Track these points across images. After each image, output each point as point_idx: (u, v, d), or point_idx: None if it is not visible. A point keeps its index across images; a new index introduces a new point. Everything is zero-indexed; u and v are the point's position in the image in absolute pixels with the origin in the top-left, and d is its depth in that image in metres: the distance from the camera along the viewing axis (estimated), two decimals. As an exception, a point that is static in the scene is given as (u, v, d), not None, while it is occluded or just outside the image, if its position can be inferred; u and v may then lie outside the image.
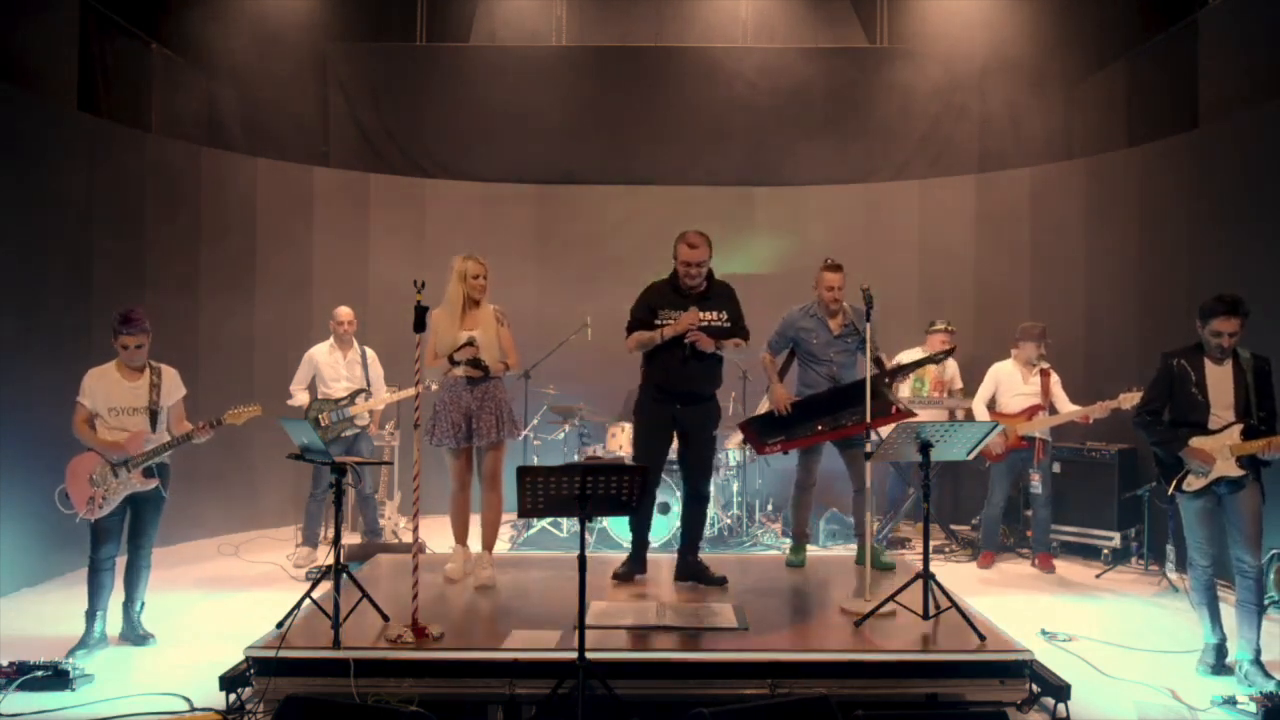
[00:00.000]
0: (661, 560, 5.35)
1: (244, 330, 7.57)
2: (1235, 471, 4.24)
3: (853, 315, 5.46)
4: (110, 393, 4.71)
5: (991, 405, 6.76)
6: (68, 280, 6.21)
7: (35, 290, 5.88)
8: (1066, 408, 6.47)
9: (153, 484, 4.71)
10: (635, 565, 4.99)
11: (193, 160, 7.38)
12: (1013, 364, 6.69)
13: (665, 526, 6.51)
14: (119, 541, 4.77)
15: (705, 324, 4.77)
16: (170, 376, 4.88)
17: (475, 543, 5.16)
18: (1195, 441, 4.31)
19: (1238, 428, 4.26)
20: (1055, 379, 6.59)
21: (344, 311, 6.67)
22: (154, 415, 4.76)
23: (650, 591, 4.80)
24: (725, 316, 4.84)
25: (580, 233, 8.72)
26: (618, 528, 6.57)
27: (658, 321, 4.80)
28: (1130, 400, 5.92)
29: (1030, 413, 6.54)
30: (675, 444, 5.07)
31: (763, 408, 5.64)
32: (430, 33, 9.20)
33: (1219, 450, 4.27)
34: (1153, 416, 4.48)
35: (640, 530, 5.06)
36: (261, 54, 8.11)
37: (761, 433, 5.24)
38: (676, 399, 4.85)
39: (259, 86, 8.12)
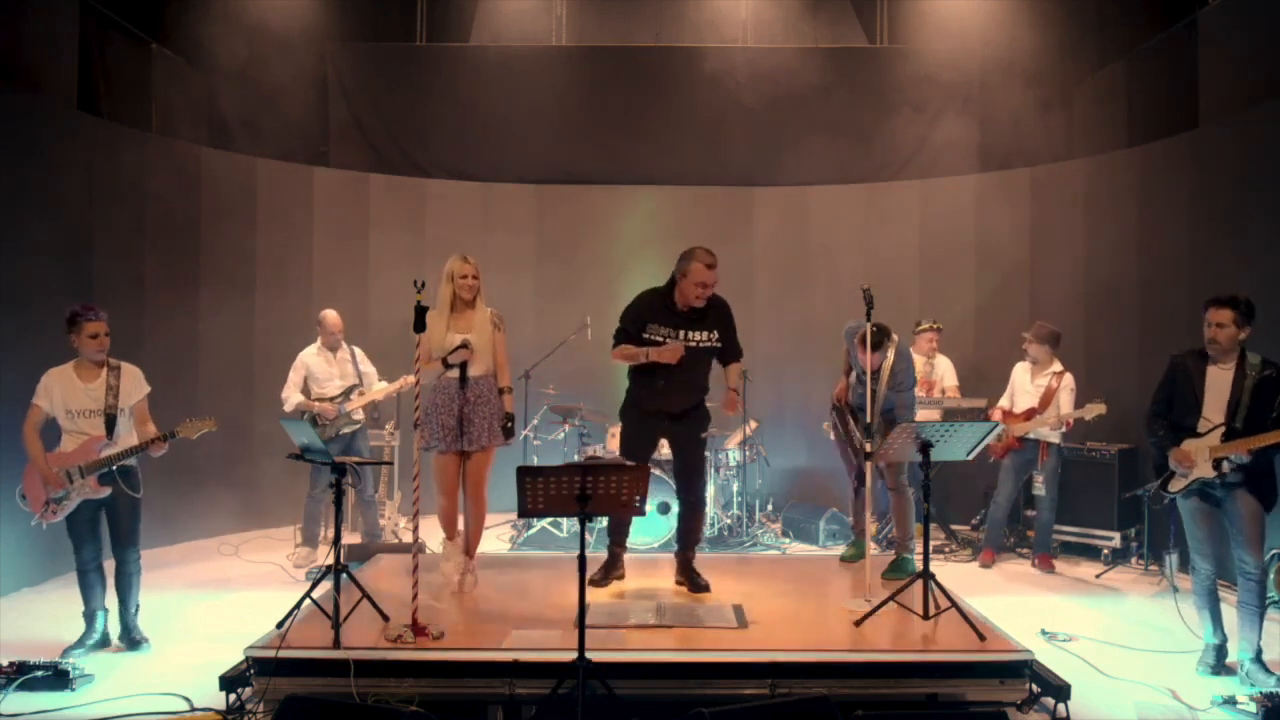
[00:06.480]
0: (662, 560, 5.36)
1: (244, 330, 7.58)
2: (1209, 473, 4.26)
3: (891, 373, 5.19)
4: (67, 395, 4.58)
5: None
6: (68, 280, 6.20)
7: (35, 290, 5.87)
8: (1052, 414, 6.44)
9: (105, 491, 4.57)
10: (611, 568, 4.94)
11: (193, 160, 7.38)
12: (1025, 363, 6.70)
13: (665, 526, 6.51)
14: (98, 543, 4.70)
15: (695, 345, 4.65)
16: (131, 375, 4.72)
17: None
18: (1186, 444, 4.34)
19: (1219, 431, 4.27)
20: (1066, 383, 6.48)
21: (333, 320, 6.62)
22: (110, 419, 4.60)
23: (650, 591, 4.80)
24: (716, 336, 4.71)
25: (580, 233, 8.72)
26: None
27: (646, 335, 4.65)
28: (1094, 412, 6.10)
29: (1028, 414, 6.55)
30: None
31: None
32: (430, 33, 9.20)
33: (1200, 453, 4.29)
34: (1155, 418, 4.51)
35: (617, 534, 4.98)
36: (261, 54, 8.10)
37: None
38: (663, 416, 4.79)
39: (259, 86, 8.11)
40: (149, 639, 4.71)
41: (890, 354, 5.14)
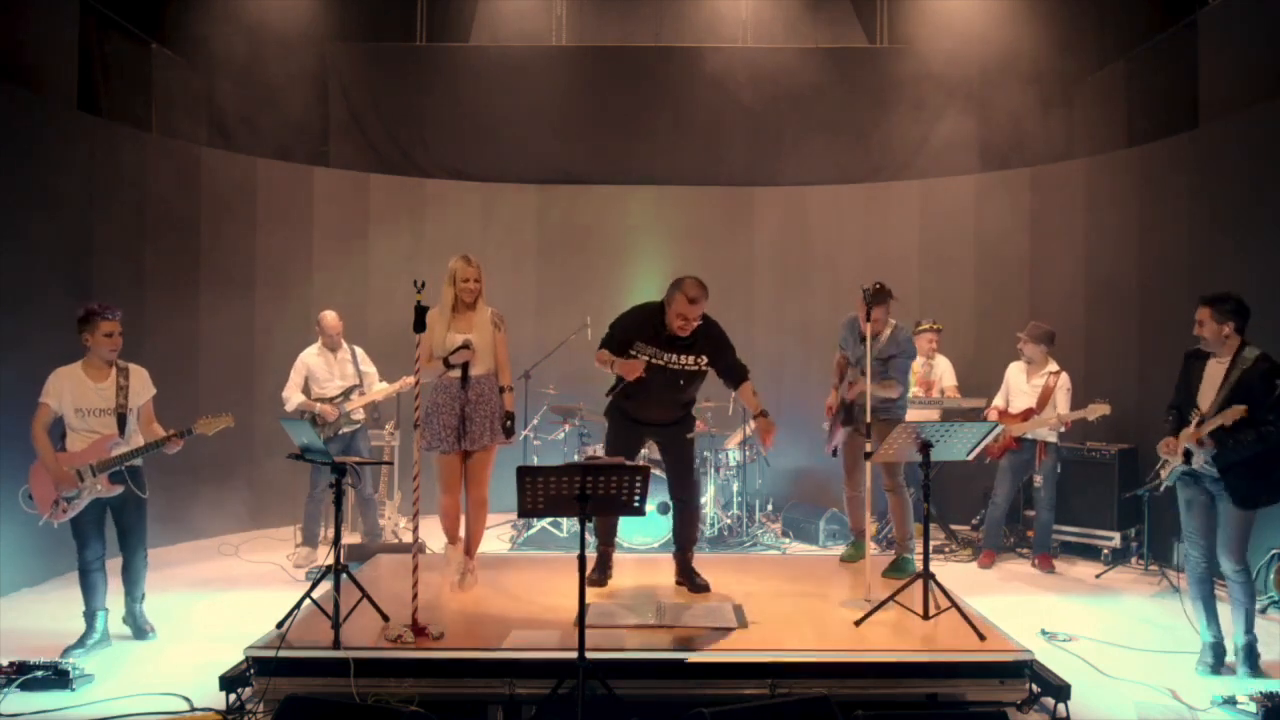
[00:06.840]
0: (661, 560, 5.35)
1: (244, 330, 7.58)
2: (1176, 460, 4.41)
3: (890, 341, 5.19)
4: (77, 394, 4.59)
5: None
6: (68, 280, 6.20)
7: (35, 290, 5.87)
8: (1051, 415, 6.43)
9: (117, 490, 4.60)
10: (604, 568, 4.95)
11: (193, 160, 7.38)
12: (1021, 363, 6.70)
13: (665, 526, 6.50)
14: (102, 542, 4.71)
15: (679, 368, 4.68)
16: (139, 376, 4.77)
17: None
18: (1183, 434, 4.44)
19: (1196, 422, 4.36)
20: (1062, 382, 6.48)
21: (332, 321, 6.62)
22: (122, 418, 4.64)
23: (650, 591, 4.80)
24: (704, 361, 4.71)
25: (580, 233, 8.71)
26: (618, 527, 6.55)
27: (631, 352, 4.67)
28: (1098, 412, 6.09)
29: (1026, 414, 6.54)
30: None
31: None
32: (430, 33, 9.20)
33: (1182, 442, 4.41)
34: (1169, 409, 4.64)
35: (605, 535, 5.00)
36: (262, 54, 8.10)
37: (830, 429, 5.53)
38: (643, 423, 4.88)
39: (259, 86, 8.11)
40: (155, 627, 4.78)
41: (888, 331, 5.18)
